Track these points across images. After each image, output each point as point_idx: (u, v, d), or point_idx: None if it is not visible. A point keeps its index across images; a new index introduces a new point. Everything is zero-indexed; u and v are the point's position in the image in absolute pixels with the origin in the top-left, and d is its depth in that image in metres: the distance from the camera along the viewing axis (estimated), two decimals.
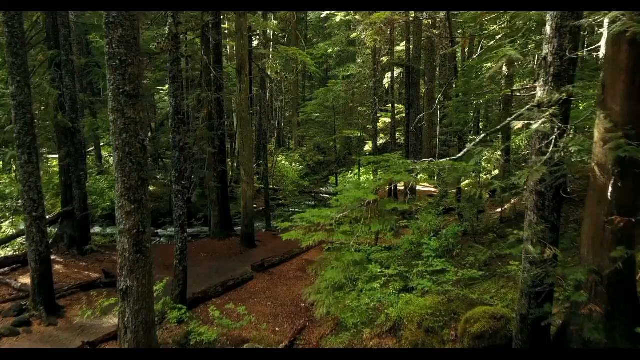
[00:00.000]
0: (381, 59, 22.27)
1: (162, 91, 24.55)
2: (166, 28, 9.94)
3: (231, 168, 22.23)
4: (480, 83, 11.41)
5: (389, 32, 19.91)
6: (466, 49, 24.14)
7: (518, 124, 5.19)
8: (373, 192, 5.26)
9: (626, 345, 4.81)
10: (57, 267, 12.06)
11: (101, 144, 24.18)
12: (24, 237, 10.58)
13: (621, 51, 4.53)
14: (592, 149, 4.87)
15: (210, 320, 9.10)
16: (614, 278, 4.76)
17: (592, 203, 5.02)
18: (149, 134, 21.69)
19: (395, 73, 28.94)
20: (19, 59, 8.98)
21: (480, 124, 24.26)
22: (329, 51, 27.01)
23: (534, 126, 4.74)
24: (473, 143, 5.46)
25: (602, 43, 7.93)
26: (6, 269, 12.16)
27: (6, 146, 12.56)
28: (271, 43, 26.44)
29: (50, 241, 12.46)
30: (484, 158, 14.82)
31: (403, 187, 18.49)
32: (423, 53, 19.80)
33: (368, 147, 28.67)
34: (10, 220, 15.04)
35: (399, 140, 26.41)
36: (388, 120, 26.24)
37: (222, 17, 18.03)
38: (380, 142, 28.36)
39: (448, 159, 5.55)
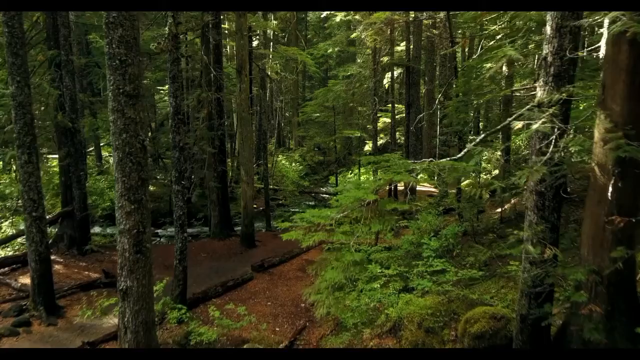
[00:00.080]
0: (381, 59, 22.26)
1: (162, 91, 24.55)
2: (166, 28, 9.94)
3: (231, 168, 22.23)
4: (480, 83, 11.41)
5: (389, 32, 19.90)
6: (466, 49, 24.15)
7: (518, 124, 5.18)
8: (373, 192, 5.26)
9: (626, 345, 4.81)
10: (57, 267, 12.06)
11: (101, 144, 24.19)
12: (24, 237, 10.58)
13: (621, 51, 4.52)
14: (592, 149, 4.87)
15: (210, 320, 9.10)
16: (614, 278, 4.76)
17: (592, 203, 5.02)
18: (149, 134, 21.69)
19: (395, 73, 28.93)
20: (18, 59, 8.98)
21: (480, 124, 24.26)
22: (329, 51, 27.01)
23: (534, 126, 4.74)
24: (473, 143, 5.46)
25: (602, 43, 7.93)
26: (6, 269, 12.16)
27: (6, 146, 12.56)
28: (271, 43, 26.44)
29: (50, 241, 12.47)
30: (484, 158, 14.83)
31: (403, 187, 18.49)
32: (423, 53, 19.80)
33: (368, 147, 28.67)
34: (10, 220, 15.04)
35: (399, 140, 26.41)
36: (388, 120, 26.24)
37: (222, 17, 18.03)
38: (380, 142, 28.36)
39: (448, 159, 5.55)
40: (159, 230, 17.72)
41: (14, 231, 14.50)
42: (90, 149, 23.68)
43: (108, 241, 15.34)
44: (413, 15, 17.00)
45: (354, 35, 20.33)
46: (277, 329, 9.41)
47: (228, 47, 27.13)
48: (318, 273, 5.85)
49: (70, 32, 13.14)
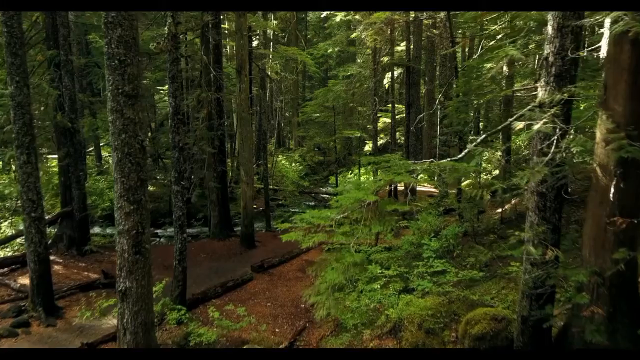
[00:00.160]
0: (381, 59, 22.23)
1: (161, 91, 24.52)
2: (165, 28, 9.91)
3: (231, 168, 22.20)
4: (481, 83, 11.39)
5: (389, 32, 19.88)
6: (466, 49, 24.13)
7: (519, 125, 5.16)
8: (373, 192, 5.23)
9: (628, 347, 4.78)
10: (56, 267, 12.03)
11: (101, 144, 24.16)
12: (23, 237, 10.55)
13: (623, 51, 4.50)
14: (594, 150, 4.84)
15: (210, 321, 9.07)
16: (615, 279, 4.73)
17: (593, 204, 4.99)
18: (149, 134, 21.67)
19: (396, 73, 28.91)
20: (17, 59, 8.95)
21: (481, 124, 24.23)
22: (329, 51, 26.99)
23: (536, 126, 4.71)
24: (474, 144, 5.43)
25: (603, 43, 7.90)
26: (5, 269, 12.14)
27: (5, 146, 12.54)
28: (271, 43, 26.41)
29: (50, 241, 12.44)
30: (484, 158, 14.83)
31: (403, 188, 18.46)
32: (423, 53, 19.76)
33: (368, 147, 28.65)
34: (10, 221, 15.01)
35: (399, 141, 26.39)
36: (388, 120, 26.22)
37: (222, 17, 18.00)
38: (380, 142, 28.33)
39: (449, 159, 5.52)
40: (158, 231, 17.70)
41: (13, 231, 14.47)
42: (90, 149, 23.65)
43: (107, 241, 15.31)
44: (413, 15, 16.97)
45: (354, 35, 20.31)
46: (277, 329, 9.38)
47: (228, 47, 27.10)
48: (318, 274, 5.81)
49: (70, 32, 13.11)
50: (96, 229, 16.78)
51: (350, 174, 26.98)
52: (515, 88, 10.92)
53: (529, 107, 5.07)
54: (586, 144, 4.64)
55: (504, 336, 6.14)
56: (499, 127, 5.92)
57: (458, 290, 7.99)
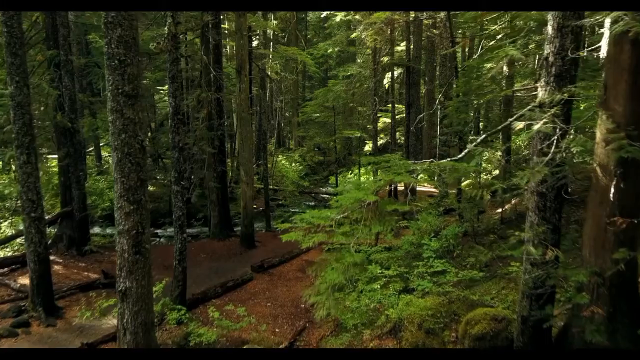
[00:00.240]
0: (381, 59, 22.23)
1: (161, 91, 24.51)
2: (165, 28, 9.91)
3: (231, 168, 22.20)
4: (481, 83, 11.39)
5: (389, 32, 19.87)
6: (466, 49, 24.12)
7: (519, 125, 5.16)
8: (373, 193, 5.22)
9: (628, 347, 4.78)
10: (56, 267, 12.03)
11: (101, 144, 24.15)
12: (23, 237, 10.54)
13: (623, 51, 4.49)
14: (594, 150, 4.84)
15: (210, 321, 9.07)
16: (616, 280, 4.72)
17: (594, 204, 4.99)
18: (149, 134, 21.67)
19: (396, 73, 28.90)
20: (17, 58, 8.95)
21: (481, 124, 24.22)
22: (329, 51, 26.98)
23: (536, 127, 4.71)
24: (474, 144, 5.42)
25: (603, 43, 7.90)
26: (5, 269, 12.14)
27: (5, 146, 12.54)
28: (271, 43, 26.40)
29: (50, 241, 12.44)
30: (484, 158, 14.83)
31: (403, 188, 18.45)
32: (423, 53, 19.76)
33: (368, 147, 28.64)
34: (10, 221, 15.01)
35: (399, 141, 26.38)
36: (388, 120, 26.21)
37: (221, 17, 17.99)
38: (380, 142, 28.33)
39: (449, 159, 5.52)
40: (158, 231, 17.69)
41: (13, 232, 14.47)
42: (90, 149, 23.65)
43: (107, 241, 15.31)
44: (413, 15, 16.97)
45: (354, 35, 20.30)
46: (277, 329, 9.38)
47: (228, 47, 27.09)
48: (318, 274, 5.81)
49: (70, 32, 13.11)
50: (96, 229, 16.78)
51: (350, 174, 26.97)
52: (515, 88, 10.92)
53: (529, 107, 5.07)
54: (586, 144, 4.64)
55: (504, 336, 6.14)
56: (499, 127, 5.92)
57: (458, 291, 7.99)
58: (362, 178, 23.62)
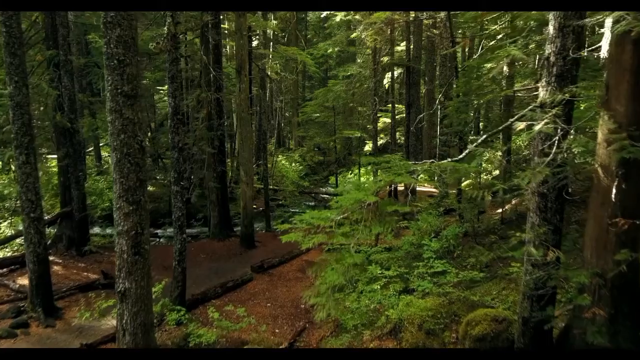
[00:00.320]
0: (381, 59, 22.20)
1: (161, 91, 24.48)
2: (165, 28, 9.88)
3: (231, 168, 22.17)
4: (481, 83, 11.36)
5: (389, 32, 19.84)
6: (466, 49, 24.08)
7: (520, 125, 5.13)
8: (373, 193, 5.20)
9: (630, 348, 4.75)
10: (55, 268, 12.00)
11: (100, 144, 24.12)
12: (23, 237, 10.52)
13: (625, 51, 4.47)
14: (595, 150, 4.81)
15: (210, 321, 9.04)
16: (617, 281, 4.69)
17: (595, 205, 4.96)
18: (149, 134, 21.65)
19: (396, 73, 28.87)
20: (16, 58, 8.93)
21: (481, 124, 24.20)
22: (329, 51, 26.95)
23: (537, 127, 4.68)
24: (475, 144, 5.40)
25: (603, 43, 7.87)
26: (4, 270, 12.12)
27: (5, 146, 12.51)
28: (271, 43, 26.37)
29: (49, 242, 12.42)
30: (484, 159, 14.80)
31: (403, 188, 18.43)
32: (423, 53, 19.73)
33: (368, 147, 28.61)
34: (9, 221, 14.98)
35: (399, 141, 26.36)
36: (388, 120, 26.18)
37: (221, 17, 17.97)
38: (380, 142, 28.30)
39: (449, 160, 5.49)
40: (158, 231, 17.66)
41: (13, 232, 14.44)
42: (90, 149, 23.63)
43: (107, 242, 15.28)
44: (413, 15, 16.94)
45: (354, 35, 20.27)
46: (277, 330, 9.35)
47: (228, 47, 27.06)
48: (318, 275, 5.78)
49: (69, 32, 13.08)
50: (96, 229, 16.75)
51: (350, 174, 26.95)
52: (516, 88, 10.90)
53: (530, 107, 5.04)
54: (588, 145, 4.61)
55: (505, 337, 6.11)
56: (500, 128, 5.89)
57: (458, 291, 7.97)
58: (362, 178, 23.60)
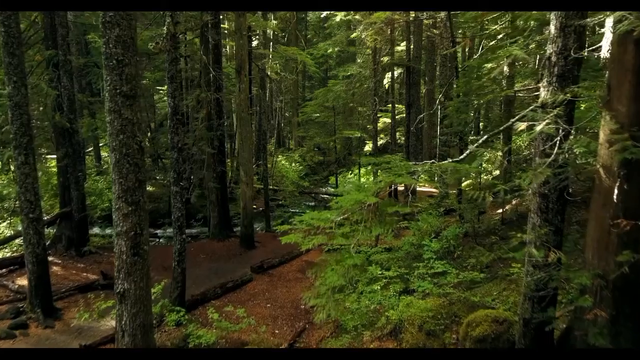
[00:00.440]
0: (381, 59, 22.17)
1: (161, 91, 24.45)
2: (164, 28, 9.85)
3: (231, 168, 22.14)
4: (482, 83, 11.33)
5: (389, 32, 19.81)
6: (467, 49, 24.04)
7: (521, 125, 5.10)
8: (374, 194, 5.17)
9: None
10: (55, 268, 11.98)
11: (100, 145, 24.09)
12: (22, 238, 10.49)
13: (627, 51, 4.43)
14: (597, 151, 4.78)
15: (209, 322, 9.02)
16: (619, 282, 4.66)
17: (597, 206, 4.93)
18: (148, 134, 21.62)
19: (396, 73, 28.85)
20: (15, 58, 8.90)
21: (481, 124, 24.17)
22: (329, 51, 26.92)
23: (538, 127, 4.65)
24: (475, 145, 5.37)
25: (603, 43, 7.85)
26: (3, 270, 12.09)
27: (4, 147, 12.49)
28: (271, 43, 26.34)
29: (49, 242, 12.40)
30: (485, 159, 14.77)
31: (403, 188, 18.41)
32: (423, 53, 19.70)
33: (368, 148, 28.59)
34: (9, 222, 14.95)
35: (399, 141, 26.33)
36: (388, 120, 26.16)
37: (221, 16, 17.93)
38: (380, 142, 28.27)
39: (450, 160, 5.46)
40: (158, 231, 17.63)
41: (12, 232, 14.41)
42: (90, 149, 23.59)
43: (107, 242, 15.25)
44: (413, 15, 16.91)
45: (354, 35, 20.24)
46: (277, 331, 9.32)
47: (227, 47, 27.02)
48: (318, 276, 5.76)
49: (69, 31, 13.05)
50: (95, 230, 16.72)
51: (350, 174, 26.92)
52: (516, 88, 10.87)
53: (532, 107, 5.01)
54: (589, 145, 4.58)
55: (506, 338, 6.09)
56: (501, 128, 5.87)
57: (459, 292, 7.94)
58: (362, 178, 23.58)
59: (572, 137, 4.77)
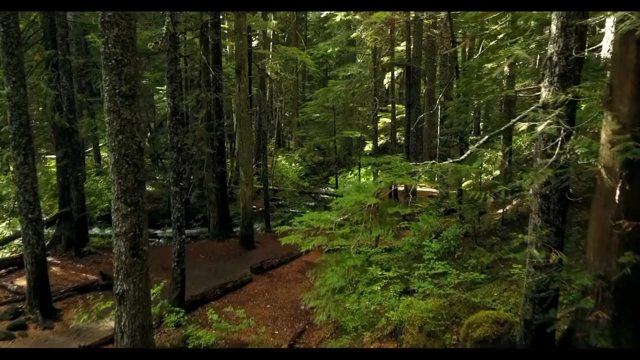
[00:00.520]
0: (381, 59, 22.15)
1: (161, 91, 24.43)
2: (164, 27, 9.82)
3: (230, 168, 22.12)
4: (482, 83, 11.30)
5: (389, 32, 19.79)
6: (467, 49, 24.02)
7: (522, 126, 5.07)
8: (374, 195, 5.15)
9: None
10: (54, 269, 11.95)
11: (100, 145, 24.07)
12: (21, 238, 10.47)
13: (629, 51, 4.40)
14: (598, 151, 4.76)
15: (209, 323, 8.99)
16: (621, 283, 4.63)
17: (598, 206, 4.90)
18: (148, 134, 21.59)
19: (396, 73, 28.82)
20: (14, 58, 8.87)
21: (481, 124, 24.15)
22: (329, 51, 26.90)
23: (540, 128, 4.62)
24: (476, 145, 5.34)
25: (604, 43, 7.81)
26: (2, 271, 12.06)
27: (3, 147, 12.46)
28: (271, 43, 26.32)
29: (48, 243, 12.37)
30: (485, 159, 14.75)
31: (403, 188, 18.39)
32: (423, 53, 19.68)
33: (368, 148, 28.56)
34: (8, 222, 14.92)
35: (399, 141, 26.30)
36: (388, 120, 26.13)
37: (221, 16, 17.91)
38: (380, 142, 28.25)
39: (451, 161, 5.44)
40: (157, 232, 17.60)
41: (11, 233, 14.38)
42: (89, 149, 23.56)
43: (106, 242, 15.20)
44: (413, 15, 16.89)
45: (354, 35, 20.22)
46: (277, 332, 9.30)
47: (227, 47, 26.99)
48: (318, 276, 5.73)
49: (68, 31, 13.02)
50: (95, 230, 16.68)
51: (350, 174, 26.89)
52: (517, 88, 10.84)
53: (533, 107, 4.99)
54: (591, 146, 4.55)
55: (507, 340, 6.06)
56: (502, 128, 5.84)
57: (459, 293, 7.91)
58: (362, 179, 23.55)
59: (573, 137, 4.74)
